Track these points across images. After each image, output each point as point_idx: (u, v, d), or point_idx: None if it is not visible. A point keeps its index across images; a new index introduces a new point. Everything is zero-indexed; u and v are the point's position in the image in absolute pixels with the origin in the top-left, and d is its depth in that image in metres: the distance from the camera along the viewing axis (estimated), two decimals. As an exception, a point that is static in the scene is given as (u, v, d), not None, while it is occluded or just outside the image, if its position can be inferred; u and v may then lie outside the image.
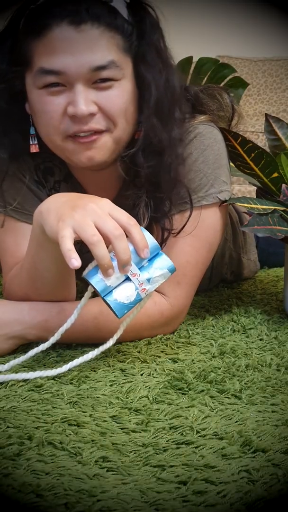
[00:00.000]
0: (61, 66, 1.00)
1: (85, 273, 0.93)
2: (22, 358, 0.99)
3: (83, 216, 0.90)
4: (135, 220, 0.93)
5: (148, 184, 1.09)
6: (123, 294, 0.93)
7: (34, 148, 1.12)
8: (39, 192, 1.21)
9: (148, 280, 0.94)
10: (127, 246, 0.91)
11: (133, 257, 0.92)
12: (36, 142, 1.11)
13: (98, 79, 1.02)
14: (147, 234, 0.94)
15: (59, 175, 1.23)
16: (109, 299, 0.93)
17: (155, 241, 0.95)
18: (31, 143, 1.11)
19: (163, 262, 0.95)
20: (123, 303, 0.93)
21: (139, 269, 0.94)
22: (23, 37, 1.04)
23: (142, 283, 0.94)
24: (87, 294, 0.96)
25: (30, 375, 0.95)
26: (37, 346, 1.06)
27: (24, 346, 1.07)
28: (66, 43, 1.00)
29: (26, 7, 1.04)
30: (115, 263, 0.91)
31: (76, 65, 1.00)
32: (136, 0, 1.07)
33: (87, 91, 1.02)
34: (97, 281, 0.92)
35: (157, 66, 1.07)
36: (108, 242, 0.90)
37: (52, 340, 0.98)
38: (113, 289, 0.93)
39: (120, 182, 1.16)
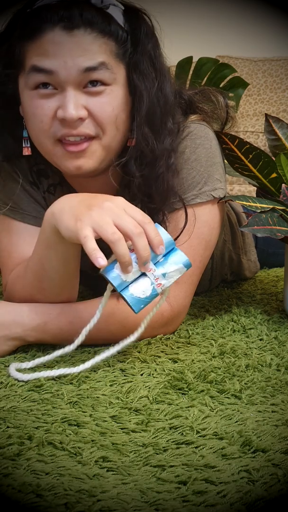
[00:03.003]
0: (52, 66, 1.01)
1: (102, 269, 0.94)
2: (47, 357, 0.99)
3: (101, 215, 0.91)
4: (149, 217, 0.94)
5: (141, 194, 1.09)
6: (139, 288, 0.94)
7: (26, 151, 1.12)
8: (34, 192, 1.21)
9: (164, 275, 0.96)
10: (147, 243, 0.92)
11: None
12: (28, 145, 1.12)
13: (88, 81, 1.02)
14: (161, 230, 0.96)
15: (53, 178, 1.23)
16: (125, 293, 0.94)
17: (170, 237, 0.96)
18: (24, 145, 1.11)
19: (178, 258, 0.97)
20: (139, 298, 0.94)
21: (155, 264, 0.95)
22: (17, 40, 1.04)
23: (158, 278, 0.95)
24: (107, 292, 0.97)
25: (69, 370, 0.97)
26: (36, 347, 1.06)
27: (24, 347, 1.07)
28: (58, 46, 1.00)
29: (23, 11, 1.05)
30: (133, 257, 0.92)
31: (66, 67, 1.00)
32: (131, 7, 1.08)
33: (78, 95, 1.02)
34: (114, 276, 0.93)
35: (150, 75, 1.07)
36: (126, 239, 0.91)
37: (77, 342, 0.98)
38: (129, 284, 0.94)
39: (114, 190, 1.15)
